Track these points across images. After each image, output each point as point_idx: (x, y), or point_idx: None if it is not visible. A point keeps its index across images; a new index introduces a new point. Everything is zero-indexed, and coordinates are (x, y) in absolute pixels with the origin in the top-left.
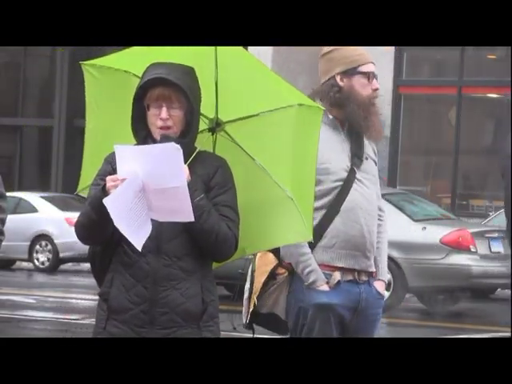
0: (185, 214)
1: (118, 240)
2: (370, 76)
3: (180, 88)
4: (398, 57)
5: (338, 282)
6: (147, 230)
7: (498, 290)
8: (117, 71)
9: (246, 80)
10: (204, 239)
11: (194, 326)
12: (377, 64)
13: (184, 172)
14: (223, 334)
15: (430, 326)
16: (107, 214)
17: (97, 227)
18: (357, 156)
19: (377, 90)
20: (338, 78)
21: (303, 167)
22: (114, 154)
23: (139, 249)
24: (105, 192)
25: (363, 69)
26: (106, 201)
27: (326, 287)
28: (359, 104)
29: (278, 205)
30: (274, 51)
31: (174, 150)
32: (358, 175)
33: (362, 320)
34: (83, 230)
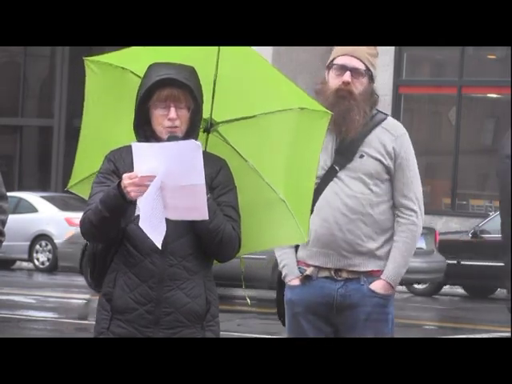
0: (200, 211)
1: (121, 240)
2: (342, 68)
3: (186, 88)
4: (398, 57)
5: (309, 276)
6: (164, 227)
7: (498, 289)
8: (114, 67)
9: (246, 81)
10: (210, 239)
11: (198, 325)
12: (377, 64)
13: (203, 169)
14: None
15: (430, 326)
16: (120, 211)
17: (107, 225)
18: (342, 153)
19: (346, 83)
20: (325, 72)
21: (301, 170)
22: (115, 152)
23: (159, 246)
24: (120, 190)
25: (336, 61)
26: (141, 201)
27: (296, 282)
28: (325, 97)
29: (269, 207)
30: (274, 51)
31: (195, 147)
32: (340, 174)
33: (349, 317)
34: (92, 228)
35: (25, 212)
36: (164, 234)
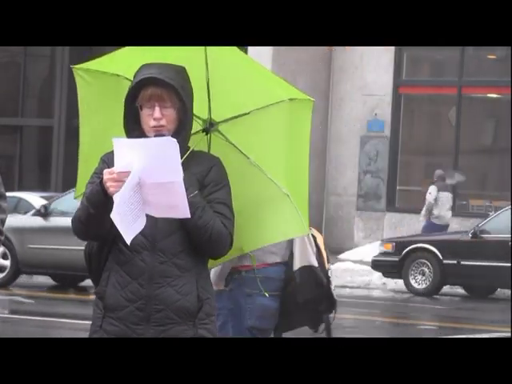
0: (181, 209)
1: (114, 239)
2: None
3: (172, 87)
4: (398, 57)
5: None
6: (140, 224)
7: (498, 289)
8: (107, 75)
9: (237, 78)
10: (198, 236)
11: (190, 323)
12: (377, 64)
13: (181, 167)
14: None
15: (430, 326)
16: (104, 207)
17: (94, 221)
18: None
19: None
20: None
21: (297, 162)
22: (109, 153)
23: (128, 243)
24: (102, 186)
25: None
26: (117, 195)
27: None
28: None
29: (273, 202)
30: (274, 51)
31: (171, 143)
32: None
33: None
34: (80, 225)
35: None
36: (139, 231)
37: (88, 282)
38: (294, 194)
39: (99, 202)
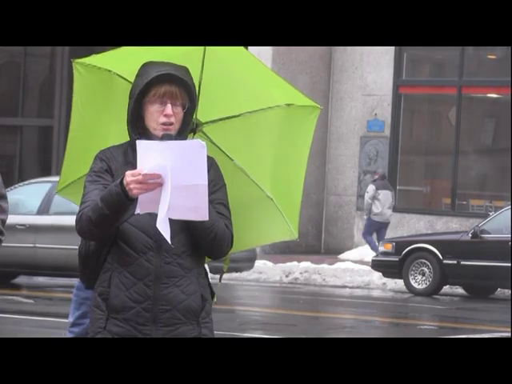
0: (200, 212)
1: (114, 239)
2: None
3: (183, 86)
4: (398, 57)
5: None
6: (168, 224)
7: (498, 289)
8: (100, 70)
9: (232, 80)
10: (204, 236)
11: (194, 322)
12: (377, 64)
13: (206, 169)
14: None
15: (430, 326)
16: (121, 208)
17: (107, 223)
18: None
19: None
20: None
21: (289, 166)
22: (105, 151)
23: (171, 243)
24: (122, 187)
25: None
26: (161, 205)
27: None
28: None
29: (256, 205)
30: (274, 51)
31: (200, 147)
32: None
33: None
34: (90, 225)
35: None
36: (169, 230)
37: (21, 280)
38: (281, 198)
39: (118, 203)
